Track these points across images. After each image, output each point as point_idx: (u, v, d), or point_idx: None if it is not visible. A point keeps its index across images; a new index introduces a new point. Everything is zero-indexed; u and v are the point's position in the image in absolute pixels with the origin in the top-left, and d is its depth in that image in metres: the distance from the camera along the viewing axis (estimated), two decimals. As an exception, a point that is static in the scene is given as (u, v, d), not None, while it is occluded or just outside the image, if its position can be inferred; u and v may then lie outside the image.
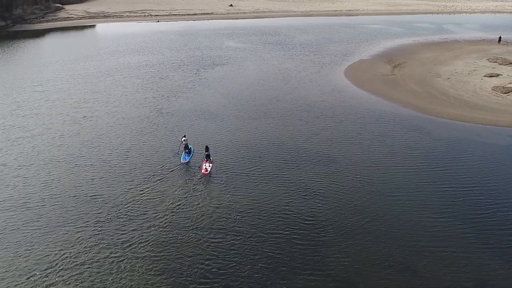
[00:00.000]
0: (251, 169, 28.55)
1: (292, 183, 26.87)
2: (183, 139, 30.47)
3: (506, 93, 45.30)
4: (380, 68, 58.22)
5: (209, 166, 28.47)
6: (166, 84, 48.81)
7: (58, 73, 53.81)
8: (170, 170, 28.47)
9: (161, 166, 28.92)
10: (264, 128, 35.87)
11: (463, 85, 49.48)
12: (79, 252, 20.05)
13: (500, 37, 76.84)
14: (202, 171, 28.03)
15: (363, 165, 29.47)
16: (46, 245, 20.57)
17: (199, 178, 27.36)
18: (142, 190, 25.64)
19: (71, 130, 34.88)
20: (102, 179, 26.95)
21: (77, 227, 21.99)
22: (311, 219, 23.01)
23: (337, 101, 43.41)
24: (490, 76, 51.98)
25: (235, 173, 28.02)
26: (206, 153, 29.07)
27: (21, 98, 43.47)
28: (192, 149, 31.02)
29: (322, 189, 26.09)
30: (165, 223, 22.42)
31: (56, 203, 24.17)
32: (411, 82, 51.31)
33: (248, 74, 53.78)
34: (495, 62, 59.79)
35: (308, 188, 26.17)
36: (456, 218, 23.18)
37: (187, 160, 29.80)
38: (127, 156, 30.34)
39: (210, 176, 27.70)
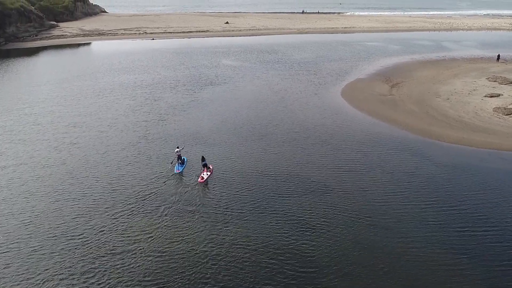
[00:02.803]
0: (244, 198, 27.15)
1: (286, 214, 25.51)
2: (176, 150, 31.66)
3: (508, 114, 44.13)
4: (377, 88, 57.10)
5: (206, 175, 29.94)
6: (160, 106, 47.38)
7: (49, 94, 52.43)
8: (163, 182, 29.43)
9: (153, 183, 28.76)
10: (258, 155, 34.45)
11: (463, 105, 48.35)
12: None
13: (498, 55, 75.88)
14: (199, 179, 29.52)
15: (361, 194, 28.11)
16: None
17: (192, 189, 28.27)
18: (134, 207, 25.10)
19: (57, 158, 33.35)
20: (89, 209, 25.50)
21: (66, 255, 20.50)
22: (305, 255, 21.60)
23: (334, 124, 42.07)
24: (491, 96, 50.85)
25: (228, 202, 26.70)
26: (203, 163, 30.44)
27: (8, 121, 42.00)
28: (185, 160, 32.52)
29: (317, 221, 24.74)
30: (154, 245, 21.00)
31: (39, 240, 22.66)
32: (409, 103, 50.16)
33: (244, 96, 52.48)
34: (494, 81, 58.72)
35: (303, 220, 24.81)
36: (462, 255, 21.73)
37: (180, 170, 31.11)
38: (117, 181, 29.19)
39: (206, 185, 29.14)
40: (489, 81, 59.45)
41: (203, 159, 30.74)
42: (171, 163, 31.81)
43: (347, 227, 24.34)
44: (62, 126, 40.82)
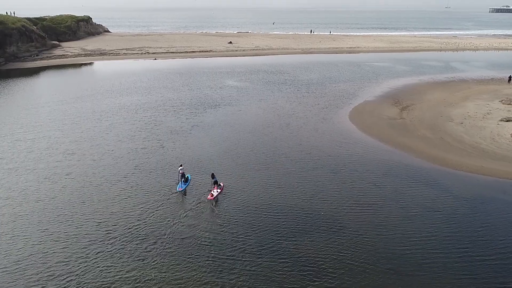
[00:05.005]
0: (247, 239, 24.80)
1: (294, 257, 23.19)
2: (179, 168, 31.83)
3: (527, 141, 41.80)
4: (386, 111, 54.97)
5: (216, 192, 30.01)
6: (161, 132, 45.08)
7: (46, 117, 50.38)
8: (161, 215, 27.77)
9: (151, 221, 25.37)
10: (264, 186, 32.10)
11: (478, 131, 46.04)
12: None
13: (510, 76, 73.67)
14: (208, 196, 29.57)
15: (376, 233, 25.69)
16: None
17: (192, 227, 26.35)
18: (126, 251, 22.03)
19: (49, 191, 31.07)
20: (77, 254, 23.15)
21: None
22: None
23: (343, 152, 39.65)
24: (507, 121, 48.47)
25: (230, 242, 24.46)
26: (213, 180, 30.52)
27: (1, 148, 39.86)
28: (189, 178, 32.51)
29: (329, 266, 22.46)
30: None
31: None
32: (421, 127, 47.89)
33: (248, 120, 50.28)
34: (509, 104, 56.45)
35: (313, 265, 22.49)
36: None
37: (183, 188, 31.08)
38: (109, 219, 26.67)
39: (216, 202, 29.09)
40: (503, 103, 57.23)
41: (213, 176, 30.81)
42: (177, 183, 31.90)
43: (363, 273, 21.88)
44: (58, 153, 38.63)
